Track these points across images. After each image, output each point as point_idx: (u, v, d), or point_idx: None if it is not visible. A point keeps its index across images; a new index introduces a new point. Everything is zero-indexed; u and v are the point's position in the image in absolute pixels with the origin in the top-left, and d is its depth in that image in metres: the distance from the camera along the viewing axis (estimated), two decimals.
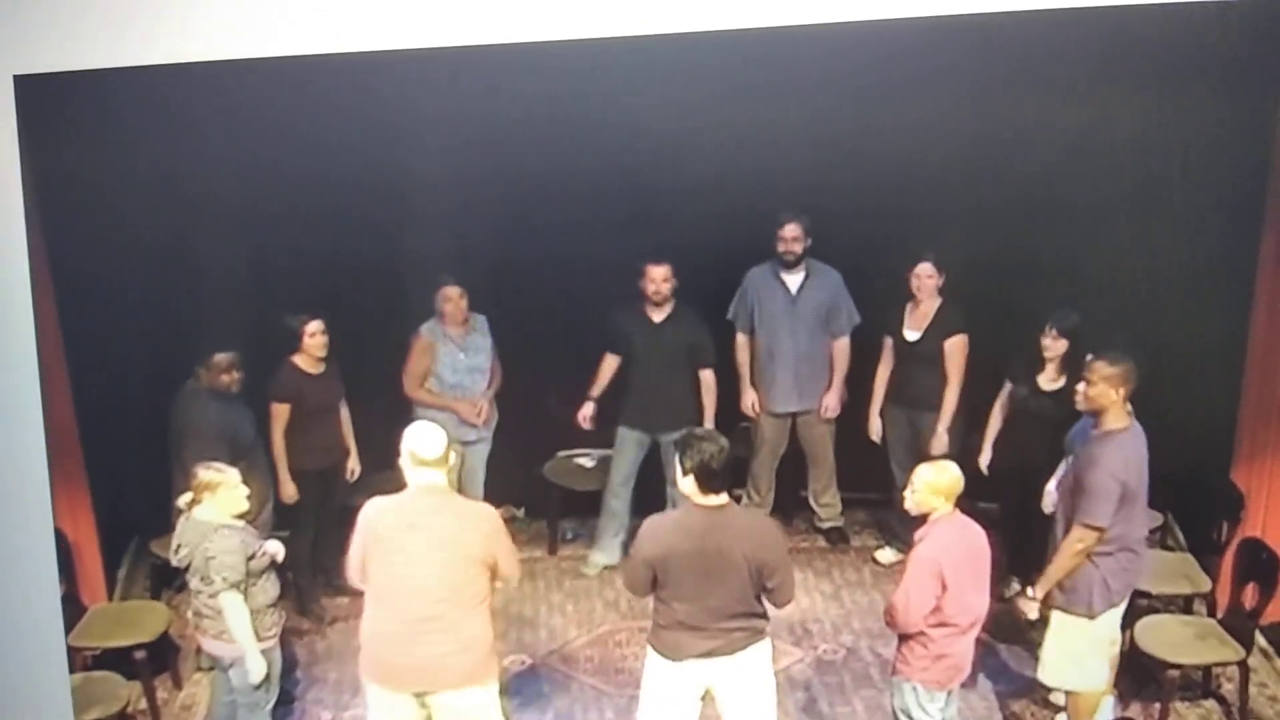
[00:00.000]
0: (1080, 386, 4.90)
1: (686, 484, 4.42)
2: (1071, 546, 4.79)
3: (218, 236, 6.24)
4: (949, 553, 4.47)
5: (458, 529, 4.43)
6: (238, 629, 4.78)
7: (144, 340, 6.04)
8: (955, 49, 5.31)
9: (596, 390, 6.42)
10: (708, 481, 4.38)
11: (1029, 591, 4.93)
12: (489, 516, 4.57)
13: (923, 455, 5.62)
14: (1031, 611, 4.95)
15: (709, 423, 6.18)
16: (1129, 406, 4.86)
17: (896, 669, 4.68)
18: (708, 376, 6.28)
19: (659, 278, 6.13)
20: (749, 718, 4.60)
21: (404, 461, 4.49)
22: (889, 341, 6.31)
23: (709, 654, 4.46)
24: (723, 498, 4.44)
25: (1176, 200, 6.12)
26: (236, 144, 5.94)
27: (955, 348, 6.12)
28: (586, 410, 6.42)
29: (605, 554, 6.60)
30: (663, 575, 4.42)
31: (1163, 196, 6.14)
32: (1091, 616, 4.86)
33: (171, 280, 6.15)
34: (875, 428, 6.41)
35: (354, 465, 6.17)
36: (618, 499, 6.50)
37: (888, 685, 5.00)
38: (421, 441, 4.46)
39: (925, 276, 6.08)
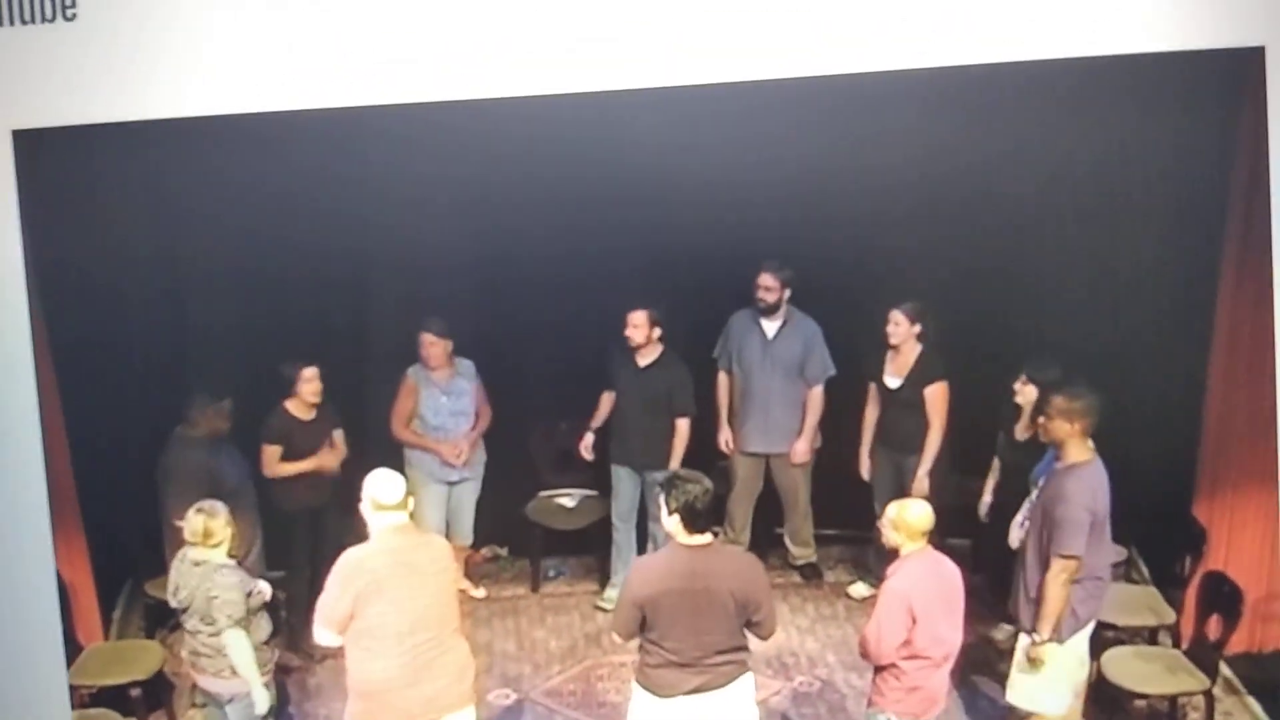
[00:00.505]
0: (1040, 420, 5.04)
1: (671, 523, 4.51)
2: (1056, 579, 4.87)
3: (209, 287, 6.37)
4: (919, 587, 4.55)
5: (436, 559, 4.66)
6: (243, 664, 4.89)
7: (138, 390, 6.14)
8: (926, 95, 5.46)
9: (596, 422, 6.57)
10: (693, 521, 4.48)
11: (1034, 638, 4.97)
12: (446, 544, 4.91)
13: (905, 496, 5.62)
14: (1045, 655, 4.98)
15: (674, 465, 6.24)
16: (1090, 443, 4.97)
17: (871, 700, 4.75)
18: (681, 425, 6.39)
19: (634, 324, 6.27)
20: None
21: (365, 508, 4.63)
22: (873, 387, 6.41)
23: (699, 689, 4.55)
24: (707, 536, 4.55)
25: (1138, 244, 6.23)
26: (227, 197, 6.06)
27: (935, 395, 6.20)
28: (586, 440, 6.58)
29: (617, 589, 6.69)
30: (652, 616, 4.50)
31: (1123, 233, 6.24)
32: (1061, 641, 4.96)
33: (164, 331, 6.26)
34: (865, 468, 6.51)
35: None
36: (620, 533, 6.59)
37: (863, 717, 5.03)
38: (382, 488, 4.63)
39: (895, 323, 6.19)
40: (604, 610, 6.58)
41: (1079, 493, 4.84)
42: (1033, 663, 5.00)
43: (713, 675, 4.56)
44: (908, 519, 4.64)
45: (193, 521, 4.91)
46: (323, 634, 4.66)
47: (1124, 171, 6.15)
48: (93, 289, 6.00)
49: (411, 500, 4.69)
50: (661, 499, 4.55)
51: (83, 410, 5.84)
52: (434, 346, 6.31)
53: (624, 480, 6.52)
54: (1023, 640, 5.07)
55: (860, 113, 5.70)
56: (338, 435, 6.20)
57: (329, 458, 6.14)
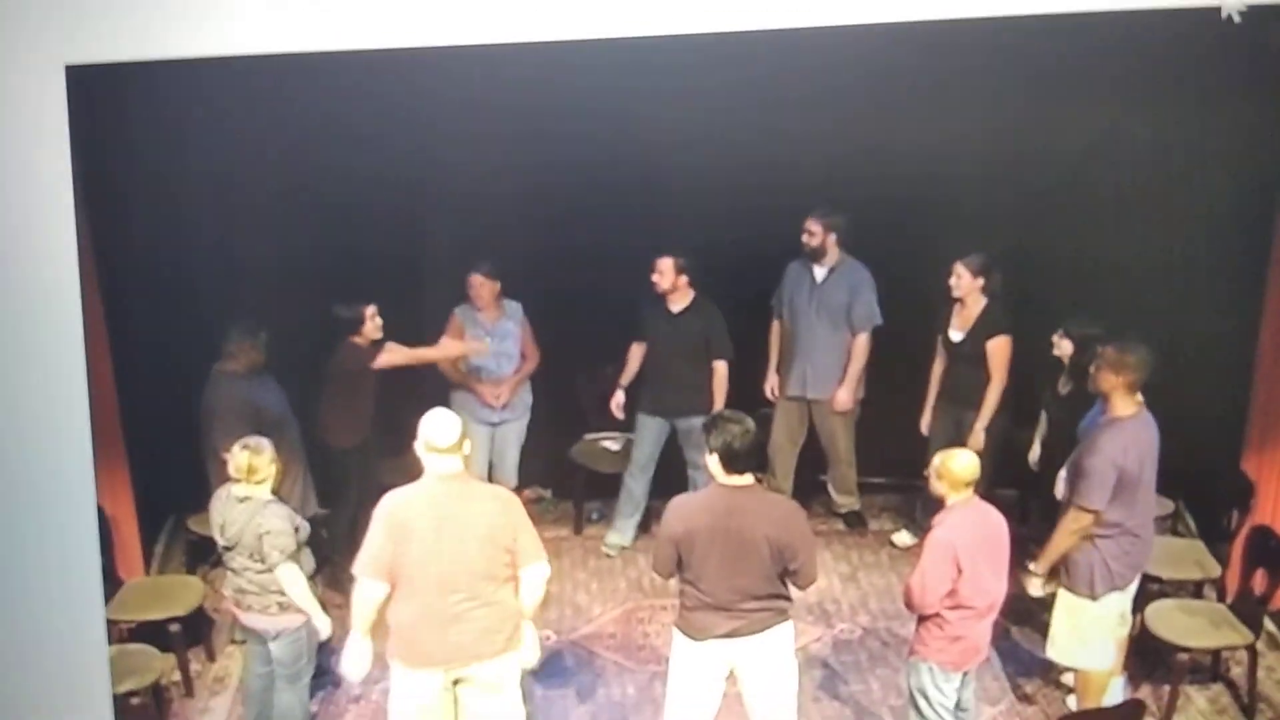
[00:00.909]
0: (1091, 369, 5.01)
1: (712, 463, 4.50)
2: (1066, 526, 4.88)
3: (258, 225, 6.33)
4: (965, 537, 4.54)
5: (484, 514, 4.48)
6: (300, 595, 4.90)
7: (184, 324, 6.11)
8: (978, 51, 5.35)
9: (626, 378, 6.56)
10: (731, 462, 4.47)
11: (1030, 566, 5.03)
12: (510, 500, 4.62)
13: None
14: (1034, 588, 5.04)
15: (718, 407, 6.24)
16: (1139, 396, 4.93)
17: (914, 650, 4.75)
18: (720, 367, 6.38)
19: (660, 270, 6.25)
20: (770, 697, 4.67)
21: (419, 449, 4.53)
22: (939, 341, 6.38)
23: (732, 634, 4.53)
24: (747, 479, 4.52)
25: (1192, 197, 6.21)
26: (277, 135, 6.05)
27: (997, 348, 6.15)
28: (618, 398, 6.57)
29: (620, 535, 6.71)
30: (687, 554, 4.49)
31: (1178, 194, 6.23)
32: (1094, 597, 4.96)
33: (212, 266, 6.23)
34: (925, 421, 6.47)
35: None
36: (636, 482, 6.62)
37: (904, 665, 5.08)
38: (436, 429, 4.49)
39: (958, 276, 6.13)
40: (608, 555, 6.66)
41: (1110, 446, 4.82)
42: (1031, 590, 5.04)
43: (747, 621, 4.53)
44: (952, 469, 4.61)
45: (238, 457, 4.89)
46: (364, 581, 4.52)
47: (1180, 133, 6.10)
48: (142, 224, 6.00)
49: (468, 445, 4.58)
50: (704, 439, 4.54)
51: (130, 342, 5.86)
52: (482, 288, 6.31)
53: (650, 430, 6.53)
54: (1062, 595, 5.06)
55: (919, 64, 5.65)
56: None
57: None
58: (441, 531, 4.45)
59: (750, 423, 4.54)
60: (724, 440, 4.46)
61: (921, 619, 4.69)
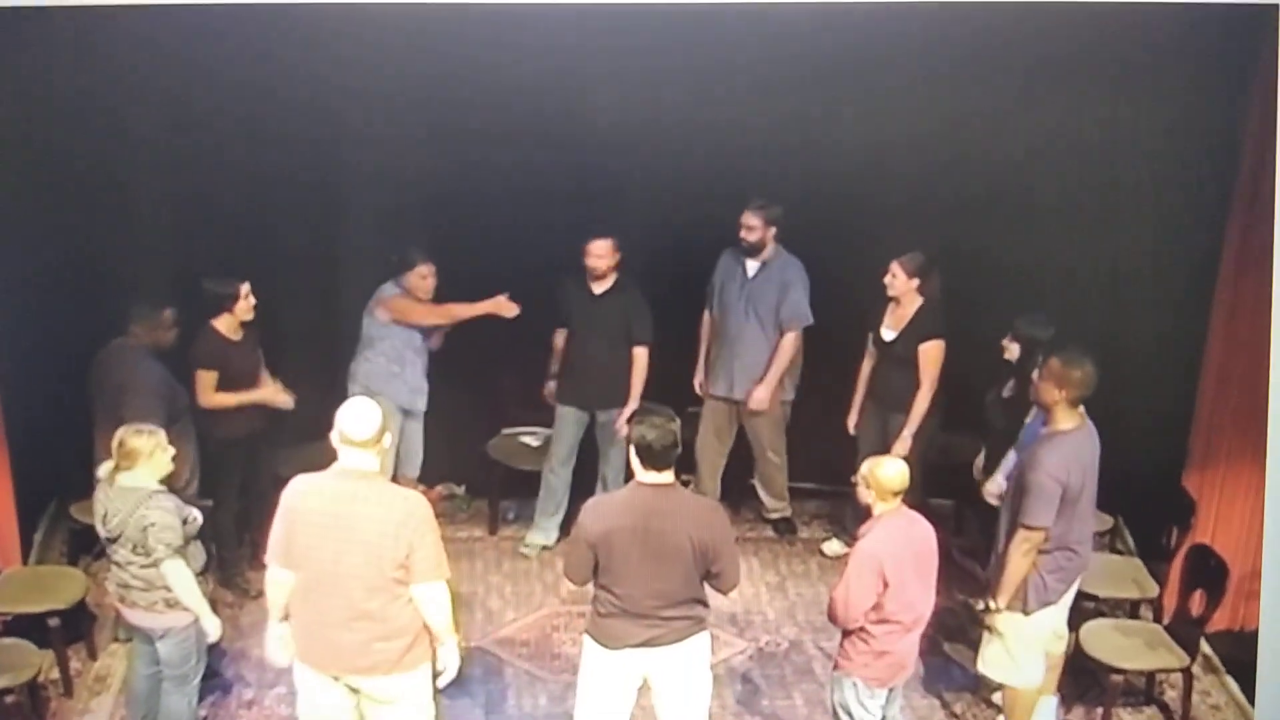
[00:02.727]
0: (1034, 377, 4.89)
1: (631, 457, 4.37)
2: (1019, 549, 4.77)
3: (148, 192, 6.06)
4: (891, 549, 4.43)
5: (375, 521, 4.18)
6: (186, 594, 4.67)
7: (69, 295, 5.84)
8: (926, 35, 5.36)
9: (556, 366, 6.38)
10: (648, 458, 4.32)
11: (990, 604, 4.89)
12: (413, 510, 4.25)
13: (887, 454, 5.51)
14: (999, 625, 4.90)
15: (634, 400, 6.14)
16: (1081, 409, 4.82)
17: (838, 664, 4.64)
18: (640, 353, 6.21)
19: (596, 253, 6.07)
20: (682, 710, 4.53)
21: (334, 438, 4.26)
22: (870, 339, 6.27)
23: (648, 643, 4.39)
24: (666, 477, 4.35)
25: (1140, 204, 6.12)
26: (177, 89, 5.76)
27: (929, 352, 6.04)
28: (550, 388, 6.39)
29: (543, 534, 6.52)
30: (605, 557, 4.32)
31: (1127, 199, 6.14)
32: (1026, 612, 4.86)
33: (98, 234, 5.97)
34: (852, 421, 6.36)
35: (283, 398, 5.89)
36: (557, 477, 6.42)
37: (830, 679, 4.90)
38: (351, 420, 4.21)
39: (893, 275, 6.02)
40: (526, 556, 6.47)
41: (1052, 462, 4.72)
42: (989, 631, 4.95)
43: (665, 630, 4.39)
44: (880, 477, 4.49)
45: (131, 442, 4.64)
46: (270, 565, 4.36)
47: (1130, 132, 6.02)
48: (29, 184, 5.70)
49: (388, 439, 4.30)
50: (628, 432, 4.41)
51: (12, 318, 5.51)
52: (429, 279, 6.07)
53: (569, 422, 6.35)
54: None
55: (862, 49, 5.55)
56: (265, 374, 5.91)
57: (277, 394, 5.85)
58: (327, 531, 4.19)
59: (672, 420, 4.36)
60: (641, 434, 4.31)
61: (846, 633, 4.57)
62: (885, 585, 4.40)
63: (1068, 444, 4.76)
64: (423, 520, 4.24)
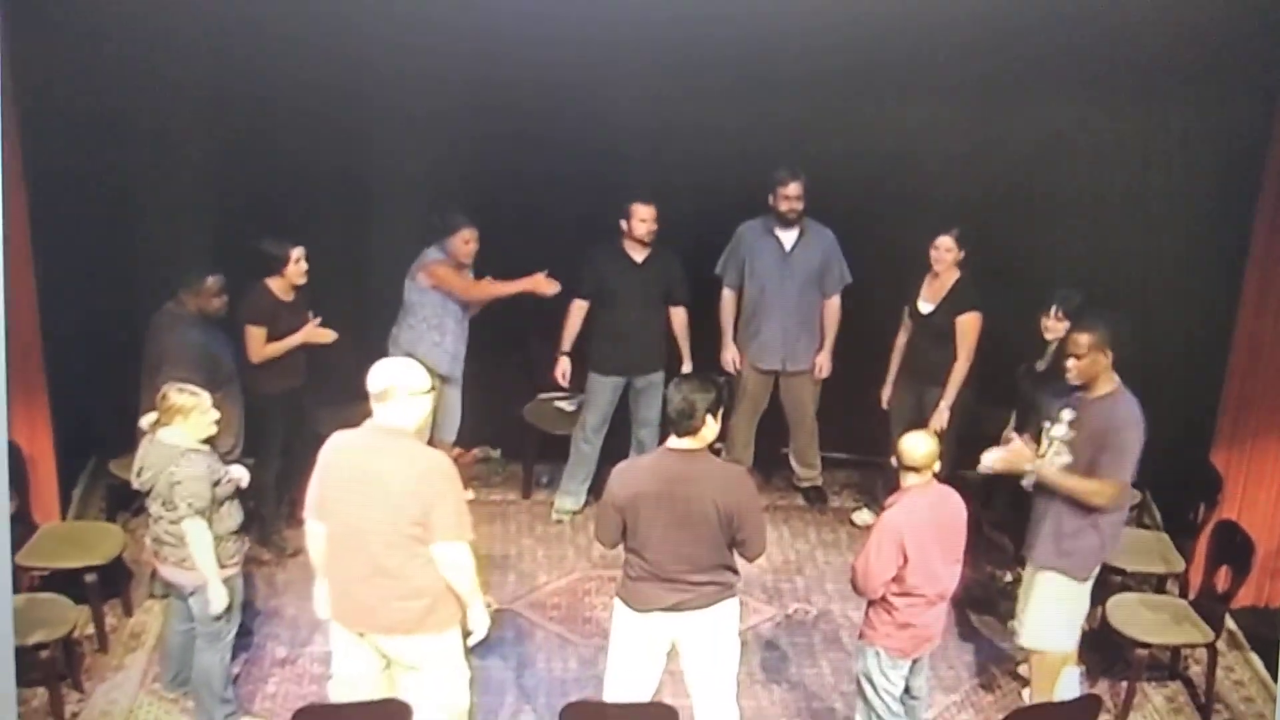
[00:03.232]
0: (1069, 363, 4.82)
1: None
2: (1095, 490, 4.71)
3: (198, 159, 6.08)
4: (914, 522, 4.41)
5: (395, 477, 4.17)
6: (201, 557, 4.66)
7: (118, 256, 5.87)
8: (959, 24, 5.39)
9: (568, 342, 6.28)
10: (671, 425, 4.34)
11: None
12: (432, 468, 4.22)
13: (923, 427, 5.45)
14: (1051, 589, 4.87)
15: (687, 360, 6.21)
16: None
17: (863, 633, 4.65)
18: (680, 313, 6.26)
19: (649, 217, 6.04)
20: (710, 675, 4.54)
21: (400, 391, 4.26)
22: (906, 312, 6.25)
23: (676, 607, 4.39)
24: (693, 443, 4.34)
25: (1172, 186, 6.14)
26: (227, 62, 5.78)
27: (967, 324, 6.03)
28: (563, 367, 6.30)
29: (572, 499, 6.53)
30: (633, 522, 4.34)
31: (1158, 183, 6.15)
32: (1084, 580, 4.87)
33: (151, 199, 5.97)
34: (886, 395, 6.34)
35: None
36: (590, 445, 6.42)
37: (855, 648, 4.96)
38: (370, 374, 4.25)
39: (944, 249, 5.98)
40: (559, 521, 6.47)
41: (1133, 417, 4.73)
42: (1024, 595, 4.93)
43: (694, 594, 4.38)
44: (916, 454, 4.46)
45: (174, 398, 4.65)
46: (308, 519, 4.38)
47: (1162, 121, 6.06)
48: (80, 150, 5.69)
49: (395, 394, 4.23)
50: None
51: (58, 269, 5.55)
52: (473, 243, 6.06)
53: (605, 391, 6.34)
54: (1050, 577, 4.89)
55: (900, 40, 5.58)
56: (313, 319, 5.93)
57: (321, 333, 5.86)
58: (351, 485, 4.22)
59: (695, 389, 4.31)
60: (667, 398, 4.35)
61: (871, 603, 4.57)
62: (905, 559, 4.39)
63: (1127, 401, 4.75)
64: (443, 478, 4.21)
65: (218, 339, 5.59)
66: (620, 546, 4.47)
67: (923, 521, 4.42)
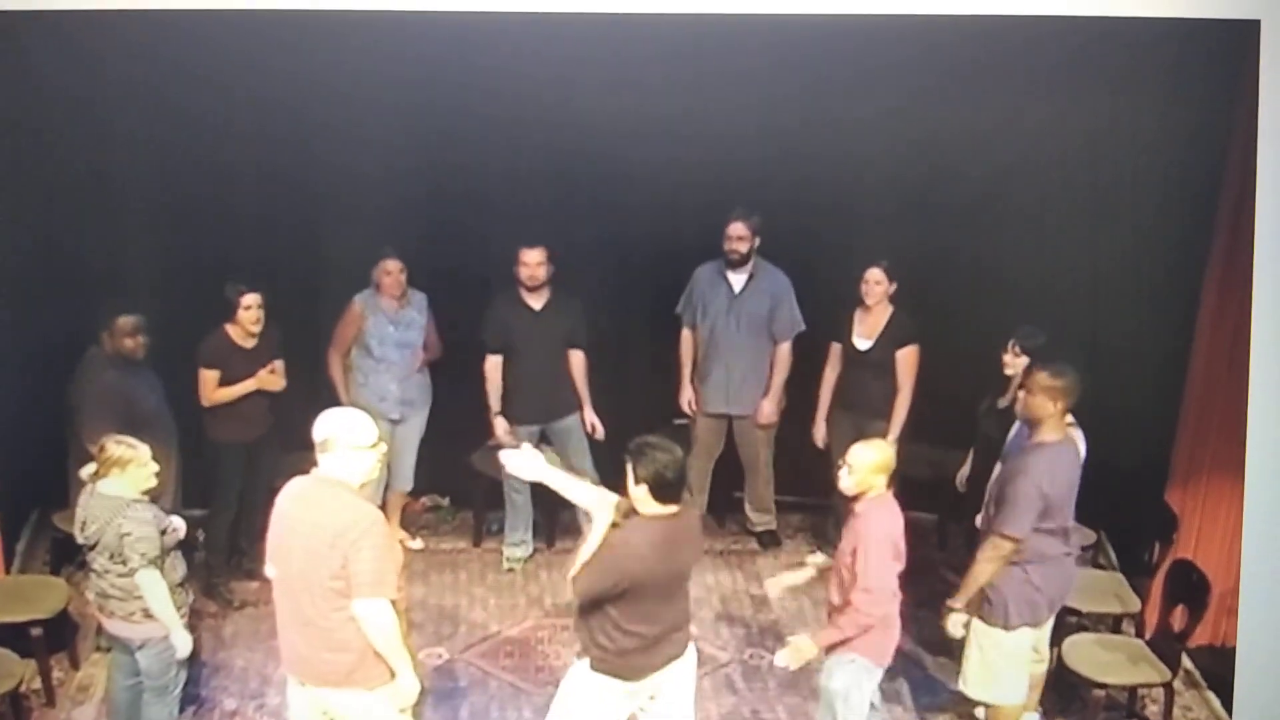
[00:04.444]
0: (1021, 394, 4.87)
1: (639, 493, 4.21)
2: (987, 554, 4.76)
3: (132, 197, 6.03)
4: (893, 525, 4.50)
5: (318, 527, 4.12)
6: (159, 606, 4.61)
7: (51, 304, 5.80)
8: (910, 47, 5.32)
9: (495, 400, 6.17)
10: (662, 492, 4.20)
11: (949, 602, 4.88)
12: (356, 523, 4.11)
13: None
14: (954, 626, 4.88)
15: (586, 405, 6.19)
16: (1070, 418, 4.84)
17: (837, 646, 4.59)
18: (577, 357, 6.20)
19: (532, 262, 5.99)
20: (680, 715, 4.49)
21: (338, 446, 4.17)
22: (837, 347, 6.24)
23: (666, 662, 4.36)
24: (674, 507, 4.26)
25: (1125, 220, 6.11)
26: (165, 95, 5.74)
27: (907, 358, 6.05)
28: (501, 425, 6.17)
29: (520, 548, 6.48)
30: (635, 595, 4.20)
31: (1111, 214, 6.14)
32: (1007, 628, 4.83)
33: (80, 240, 5.93)
34: (820, 433, 6.33)
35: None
36: (520, 494, 6.36)
37: (813, 693, 4.92)
38: (358, 427, 4.20)
39: (874, 282, 6.01)
40: (510, 570, 6.40)
41: (1038, 473, 4.71)
42: (949, 627, 4.90)
43: (678, 646, 4.40)
44: (883, 460, 4.54)
45: (111, 450, 4.60)
46: (268, 566, 4.36)
47: (1113, 146, 6.03)
48: (16, 192, 5.65)
49: (335, 445, 4.18)
50: (628, 468, 4.22)
51: None
52: (394, 275, 6.07)
53: (521, 440, 6.21)
54: (975, 626, 4.90)
55: (842, 60, 5.54)
56: (279, 366, 5.88)
57: (271, 379, 5.82)
58: (287, 534, 4.21)
59: (678, 450, 4.26)
60: (655, 470, 4.16)
61: (838, 610, 4.57)
62: (897, 559, 4.47)
63: (1051, 455, 4.75)
64: (364, 533, 4.09)
65: (139, 381, 5.50)
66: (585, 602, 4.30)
67: (896, 521, 4.52)
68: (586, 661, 4.38)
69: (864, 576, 4.48)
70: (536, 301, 6.10)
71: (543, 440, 6.22)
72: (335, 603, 4.13)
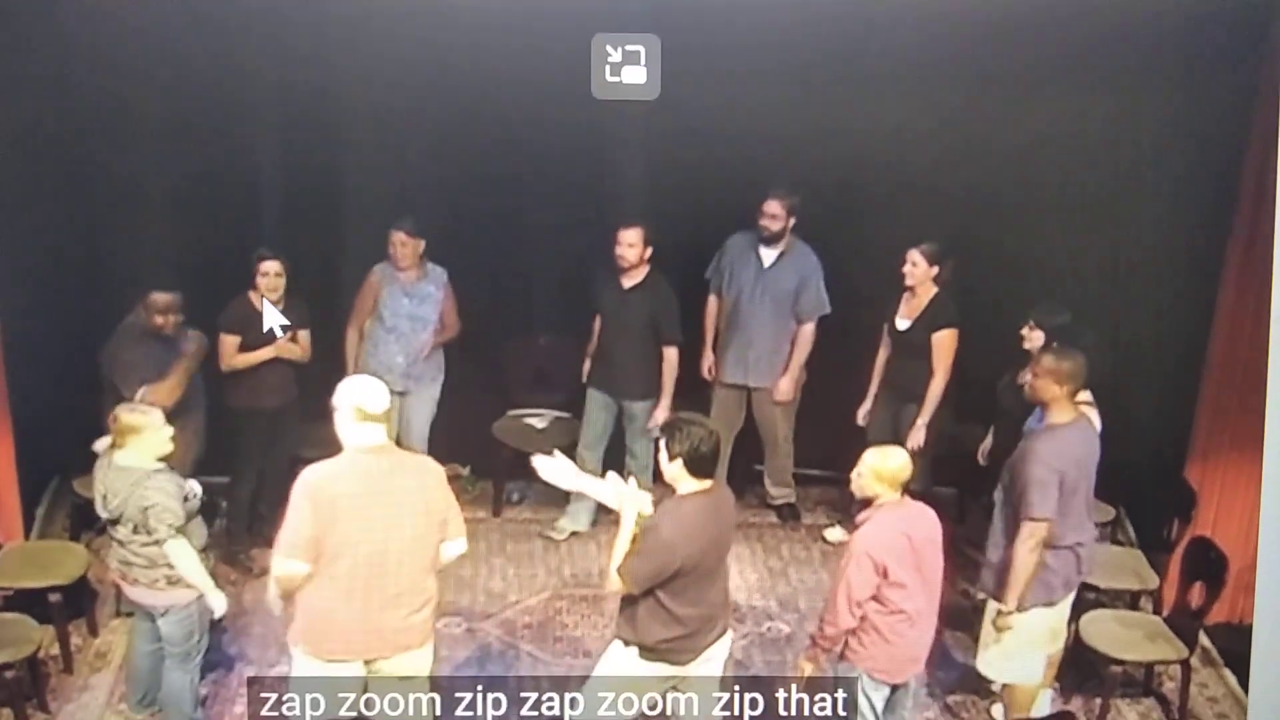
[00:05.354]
0: (1028, 378, 4.87)
1: (673, 470, 4.22)
2: (1025, 544, 4.73)
3: (161, 163, 6.03)
4: (886, 539, 4.36)
5: (419, 488, 4.24)
6: (191, 572, 4.63)
7: (78, 270, 5.83)
8: (934, 27, 5.38)
9: (592, 348, 6.32)
10: (698, 467, 4.20)
11: (1000, 608, 4.85)
12: (439, 471, 4.39)
13: (899, 444, 5.44)
14: (1012, 625, 4.84)
15: (665, 400, 6.12)
16: (1088, 396, 4.84)
17: (844, 655, 4.56)
18: (670, 354, 6.15)
19: (625, 242, 6.00)
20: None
21: (344, 418, 4.21)
22: (885, 329, 6.24)
23: (713, 643, 4.36)
24: (709, 482, 4.27)
25: (1146, 197, 6.11)
26: (191, 68, 5.72)
27: (943, 341, 6.02)
28: (587, 367, 6.34)
29: (574, 520, 6.46)
30: (687, 573, 4.19)
31: (1133, 192, 6.13)
32: (1021, 609, 4.83)
33: (111, 208, 5.95)
34: (864, 411, 6.32)
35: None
36: (586, 462, 6.24)
37: (834, 669, 4.80)
38: (368, 395, 4.21)
39: (913, 264, 5.98)
40: (552, 539, 6.42)
41: (1048, 454, 4.72)
42: (1000, 632, 4.89)
43: (720, 626, 4.40)
44: (887, 469, 4.42)
45: (125, 419, 4.61)
46: (285, 562, 4.17)
47: (1135, 127, 6.03)
48: (39, 166, 5.67)
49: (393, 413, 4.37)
50: (662, 444, 4.24)
51: (21, 291, 5.51)
52: (404, 246, 6.07)
53: (596, 406, 6.31)
54: (991, 608, 4.94)
55: (874, 42, 5.61)
56: (303, 336, 5.89)
57: (290, 348, 5.82)
58: (373, 509, 4.15)
59: (711, 424, 4.31)
60: (690, 444, 4.16)
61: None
62: (885, 575, 4.35)
63: (1062, 437, 4.76)
64: (442, 474, 4.39)
65: (166, 354, 5.45)
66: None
67: (893, 537, 4.38)
68: (634, 650, 4.33)
69: (831, 591, 4.46)
70: (628, 280, 6.10)
71: (621, 411, 6.28)
72: (435, 555, 4.27)
